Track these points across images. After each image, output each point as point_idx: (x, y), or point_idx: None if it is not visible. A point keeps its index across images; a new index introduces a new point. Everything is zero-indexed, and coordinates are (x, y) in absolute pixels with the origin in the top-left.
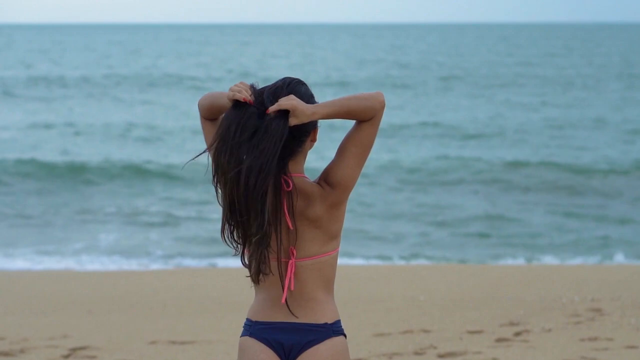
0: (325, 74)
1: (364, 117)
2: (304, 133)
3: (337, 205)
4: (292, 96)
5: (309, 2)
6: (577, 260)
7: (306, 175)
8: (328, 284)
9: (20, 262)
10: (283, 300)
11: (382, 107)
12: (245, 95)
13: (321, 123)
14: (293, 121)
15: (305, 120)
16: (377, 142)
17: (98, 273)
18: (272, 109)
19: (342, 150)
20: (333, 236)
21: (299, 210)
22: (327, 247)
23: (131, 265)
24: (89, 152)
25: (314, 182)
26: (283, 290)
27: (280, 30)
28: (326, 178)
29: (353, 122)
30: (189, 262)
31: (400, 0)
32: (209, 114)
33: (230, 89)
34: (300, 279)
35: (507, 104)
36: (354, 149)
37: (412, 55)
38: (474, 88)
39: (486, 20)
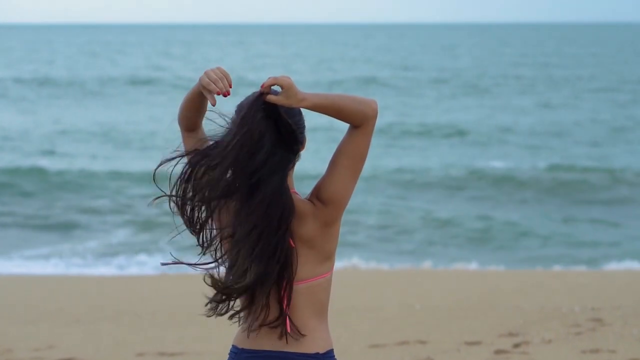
0: (314, 74)
1: (354, 121)
2: (299, 142)
3: (330, 223)
4: (285, 75)
5: (304, 2)
6: (575, 266)
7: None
8: (321, 309)
9: (3, 267)
10: (289, 329)
11: (375, 115)
12: (223, 87)
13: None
14: (281, 100)
15: (294, 104)
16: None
17: (87, 278)
18: (267, 83)
19: (333, 164)
20: (327, 256)
21: (290, 230)
22: (320, 269)
23: (121, 270)
24: (74, 155)
25: (306, 198)
26: (278, 317)
27: (276, 30)
28: (318, 194)
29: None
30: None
31: (393, 1)
32: (188, 120)
33: (206, 74)
34: (291, 304)
35: (500, 106)
36: (345, 161)
37: (406, 56)
38: (464, 89)
39: (485, 20)
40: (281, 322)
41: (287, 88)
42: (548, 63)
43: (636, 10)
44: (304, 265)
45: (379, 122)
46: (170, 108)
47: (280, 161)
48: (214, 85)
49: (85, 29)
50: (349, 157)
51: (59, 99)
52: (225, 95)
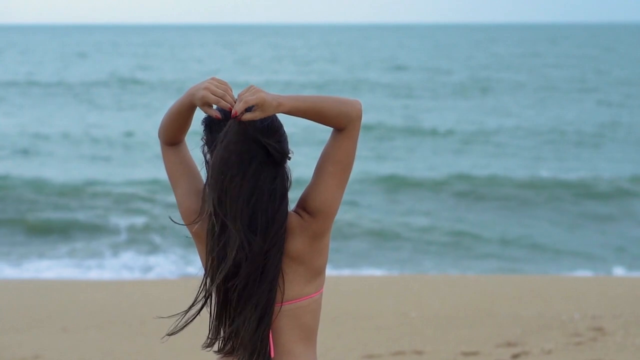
0: (304, 75)
1: (337, 124)
2: (286, 154)
3: (320, 236)
4: (254, 87)
5: (302, 2)
6: (574, 272)
7: None
8: (309, 334)
9: None
10: (272, 354)
11: (359, 116)
12: (231, 100)
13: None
14: (258, 115)
15: (271, 112)
16: (363, 147)
17: (77, 283)
18: (239, 108)
19: (319, 172)
20: (316, 273)
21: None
22: (308, 288)
23: (111, 275)
24: (51, 158)
25: (292, 211)
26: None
27: (270, 31)
28: (304, 205)
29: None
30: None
31: (390, 1)
32: (173, 135)
33: (209, 90)
34: (275, 328)
35: (489, 107)
36: (331, 168)
37: (400, 57)
38: (455, 90)
39: (487, 20)
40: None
41: (261, 104)
42: (542, 64)
43: (636, 10)
44: (291, 284)
45: (368, 122)
46: (152, 109)
47: (281, 185)
48: (224, 102)
49: (79, 29)
50: (334, 164)
51: (41, 100)
52: (234, 116)
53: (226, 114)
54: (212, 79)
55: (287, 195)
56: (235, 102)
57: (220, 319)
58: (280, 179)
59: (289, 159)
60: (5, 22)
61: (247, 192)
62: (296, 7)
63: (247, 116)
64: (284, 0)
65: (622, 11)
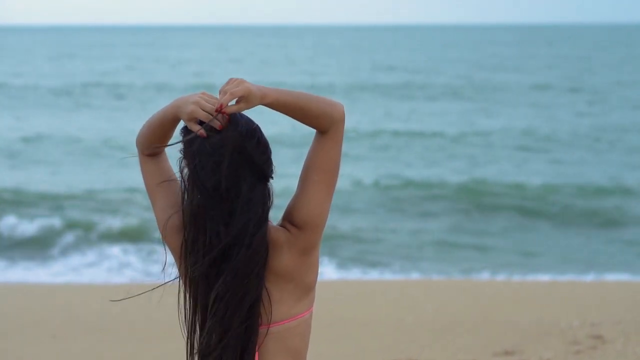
0: (294, 77)
1: (320, 124)
2: (272, 172)
3: (309, 250)
4: (237, 79)
5: (301, 3)
6: (572, 277)
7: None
8: (296, 357)
9: None
10: None
11: (342, 119)
12: (221, 120)
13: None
14: (243, 107)
15: (256, 103)
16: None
17: (65, 287)
18: (225, 100)
19: (304, 181)
20: (306, 290)
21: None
22: (297, 307)
23: (101, 278)
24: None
25: (278, 225)
26: None
27: (265, 32)
28: (290, 218)
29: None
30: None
31: (387, 1)
32: (151, 144)
33: (199, 105)
34: (260, 353)
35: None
36: (317, 176)
37: (391, 58)
38: (440, 91)
39: (485, 21)
40: None
41: (247, 95)
42: (538, 65)
43: (636, 10)
44: (278, 304)
45: (361, 124)
46: (139, 112)
47: (268, 207)
48: (216, 120)
49: (77, 30)
50: (320, 171)
51: (27, 101)
52: (220, 128)
53: (212, 131)
54: (203, 93)
55: (268, 217)
56: (226, 122)
57: (200, 343)
58: (267, 200)
59: (272, 178)
60: (3, 22)
61: (243, 216)
62: (295, 8)
63: (232, 108)
64: (282, 1)
65: (622, 11)
